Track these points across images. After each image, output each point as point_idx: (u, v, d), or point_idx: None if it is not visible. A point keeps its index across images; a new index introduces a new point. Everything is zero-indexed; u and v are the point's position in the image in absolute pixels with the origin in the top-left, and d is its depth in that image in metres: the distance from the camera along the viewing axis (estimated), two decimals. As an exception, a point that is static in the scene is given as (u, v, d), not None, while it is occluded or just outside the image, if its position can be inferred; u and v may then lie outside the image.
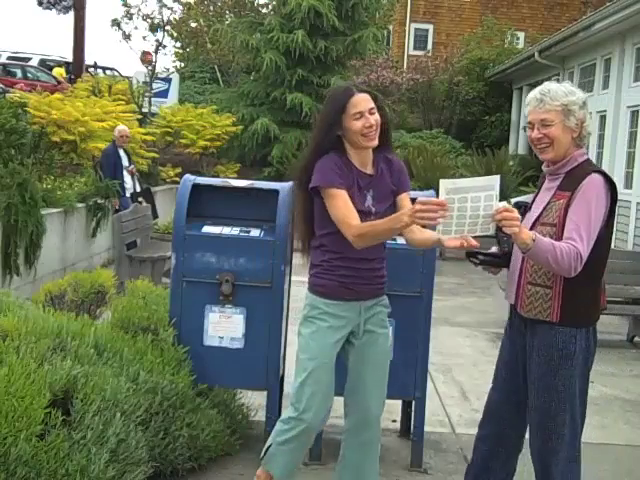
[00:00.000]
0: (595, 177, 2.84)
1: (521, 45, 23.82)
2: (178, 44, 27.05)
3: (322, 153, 3.08)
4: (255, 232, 4.01)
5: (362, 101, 3.04)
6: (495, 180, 2.66)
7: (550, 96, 2.89)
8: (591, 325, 2.96)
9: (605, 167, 12.33)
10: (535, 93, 2.95)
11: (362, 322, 3.16)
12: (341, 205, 3.00)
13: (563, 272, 2.78)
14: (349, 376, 3.24)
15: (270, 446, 3.16)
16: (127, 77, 17.70)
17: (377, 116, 3.06)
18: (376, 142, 3.07)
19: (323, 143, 3.09)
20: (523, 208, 3.10)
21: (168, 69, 23.98)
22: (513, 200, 3.19)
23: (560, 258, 2.73)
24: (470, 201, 2.62)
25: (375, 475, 3.30)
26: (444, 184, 2.65)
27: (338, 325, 3.13)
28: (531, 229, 2.90)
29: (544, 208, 2.94)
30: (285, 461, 3.15)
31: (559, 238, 2.82)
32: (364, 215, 3.03)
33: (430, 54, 24.25)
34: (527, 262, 2.93)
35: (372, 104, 3.06)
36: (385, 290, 3.25)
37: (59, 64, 23.71)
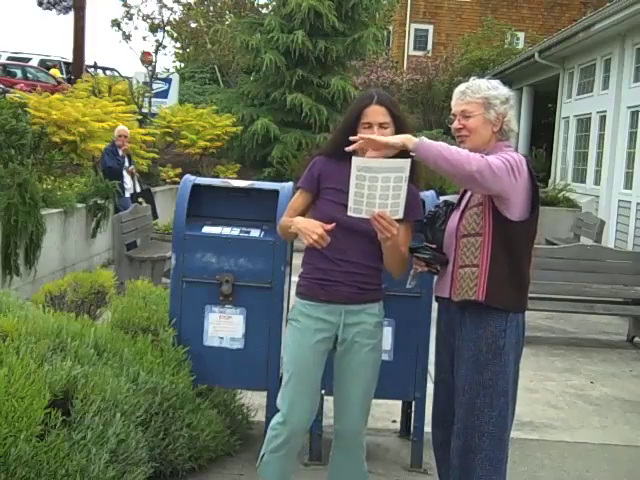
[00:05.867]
0: (519, 154, 2.91)
1: (521, 45, 23.85)
2: (178, 44, 27.12)
3: (336, 151, 3.05)
4: (255, 232, 4.01)
5: (374, 113, 3.00)
6: (405, 163, 2.68)
7: (472, 89, 2.97)
8: (519, 312, 2.94)
9: (605, 167, 12.35)
10: (460, 86, 3.03)
11: (342, 327, 3.06)
12: (290, 204, 3.21)
13: (462, 167, 2.69)
14: (333, 383, 3.19)
15: (264, 455, 3.12)
16: (127, 77, 17.69)
17: (389, 131, 2.97)
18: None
19: (337, 142, 3.06)
20: (450, 207, 3.13)
21: (168, 69, 24.01)
22: (442, 198, 3.22)
23: (454, 152, 2.69)
24: (381, 181, 2.66)
25: (359, 478, 3.26)
26: (356, 162, 2.70)
27: (315, 327, 3.05)
28: (459, 220, 2.96)
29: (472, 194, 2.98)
30: (280, 468, 3.12)
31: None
32: (341, 227, 2.97)
33: (430, 54, 24.30)
34: (459, 248, 2.94)
35: (385, 119, 2.99)
36: (376, 298, 3.12)
37: (54, 64, 23.68)
